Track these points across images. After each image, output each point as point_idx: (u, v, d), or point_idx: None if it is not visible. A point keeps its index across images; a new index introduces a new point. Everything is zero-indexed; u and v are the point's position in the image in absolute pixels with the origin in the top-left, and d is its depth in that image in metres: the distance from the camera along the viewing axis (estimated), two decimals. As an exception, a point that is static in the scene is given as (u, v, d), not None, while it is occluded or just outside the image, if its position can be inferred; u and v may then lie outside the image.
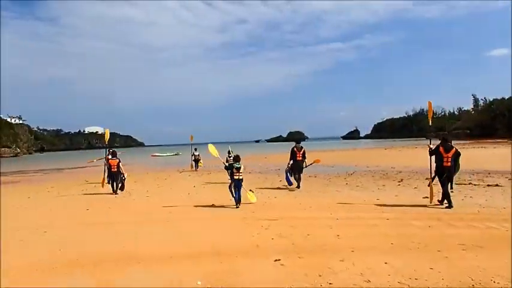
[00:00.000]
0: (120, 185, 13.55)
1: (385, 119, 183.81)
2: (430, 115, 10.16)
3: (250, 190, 10.20)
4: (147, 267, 5.08)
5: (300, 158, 12.62)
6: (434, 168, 8.81)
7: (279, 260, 5.12)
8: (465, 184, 12.37)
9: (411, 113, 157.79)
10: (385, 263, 4.84)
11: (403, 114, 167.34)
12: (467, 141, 62.21)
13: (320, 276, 4.50)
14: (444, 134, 9.58)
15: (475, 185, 12.18)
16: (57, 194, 13.78)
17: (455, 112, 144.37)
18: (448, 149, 8.57)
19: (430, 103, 10.19)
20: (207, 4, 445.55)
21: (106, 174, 14.23)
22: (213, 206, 9.84)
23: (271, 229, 6.91)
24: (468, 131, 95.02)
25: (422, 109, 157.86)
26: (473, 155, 26.79)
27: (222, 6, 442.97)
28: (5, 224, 8.22)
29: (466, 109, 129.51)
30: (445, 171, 8.50)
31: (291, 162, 12.66)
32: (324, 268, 4.74)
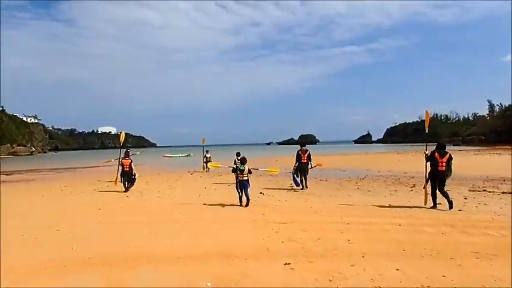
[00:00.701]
0: (130, 184, 14.12)
1: (397, 124, 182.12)
2: (426, 123, 10.66)
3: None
4: (157, 267, 5.11)
5: (305, 161, 13.41)
6: (429, 172, 9.39)
7: (289, 263, 5.10)
8: (479, 191, 12.16)
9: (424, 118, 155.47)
10: (397, 269, 4.78)
11: (416, 119, 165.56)
12: (482, 148, 61.16)
13: (330, 281, 4.47)
14: (440, 140, 9.99)
15: (489, 192, 11.96)
16: (70, 193, 13.96)
17: (470, 117, 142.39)
18: (442, 154, 9.13)
19: (427, 112, 10.82)
20: (221, 6, 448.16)
21: (119, 173, 14.68)
22: (223, 206, 9.89)
23: (281, 232, 6.89)
24: (483, 137, 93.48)
25: (436, 114, 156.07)
26: (487, 162, 26.32)
27: (236, 9, 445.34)
28: (18, 222, 8.36)
29: (481, 115, 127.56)
30: (440, 175, 9.12)
31: (297, 164, 13.44)
32: (335, 273, 4.71)
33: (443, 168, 9.02)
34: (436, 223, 7.48)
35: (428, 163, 9.35)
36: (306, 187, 13.30)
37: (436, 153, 9.13)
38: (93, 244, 6.39)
